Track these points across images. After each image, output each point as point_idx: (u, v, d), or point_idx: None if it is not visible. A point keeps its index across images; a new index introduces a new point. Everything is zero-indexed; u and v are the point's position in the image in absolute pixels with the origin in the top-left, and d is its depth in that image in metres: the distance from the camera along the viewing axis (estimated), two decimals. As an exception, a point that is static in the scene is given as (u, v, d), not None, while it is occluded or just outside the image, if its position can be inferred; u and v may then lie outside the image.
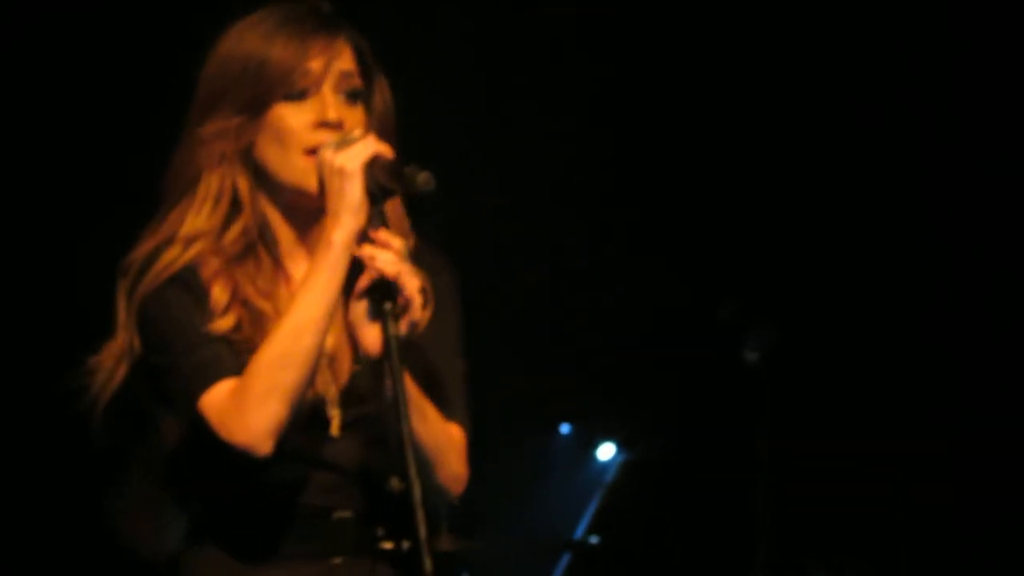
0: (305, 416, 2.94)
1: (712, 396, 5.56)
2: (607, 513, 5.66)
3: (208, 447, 2.94)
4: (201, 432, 2.95)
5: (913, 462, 5.74)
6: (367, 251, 2.86)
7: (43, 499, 5.21)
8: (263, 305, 3.02)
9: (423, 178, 2.78)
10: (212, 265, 3.01)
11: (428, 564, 2.68)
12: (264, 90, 2.97)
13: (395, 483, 2.87)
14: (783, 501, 5.14)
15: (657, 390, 5.75)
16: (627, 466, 5.73)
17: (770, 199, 5.80)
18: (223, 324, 2.97)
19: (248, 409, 2.90)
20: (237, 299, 3.01)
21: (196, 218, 3.00)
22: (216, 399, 2.94)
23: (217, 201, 2.99)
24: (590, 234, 5.66)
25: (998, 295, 5.85)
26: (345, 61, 3.01)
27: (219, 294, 2.99)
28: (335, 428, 2.98)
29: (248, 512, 3.01)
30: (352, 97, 2.99)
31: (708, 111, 5.79)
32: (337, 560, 2.96)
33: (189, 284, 3.00)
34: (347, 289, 2.93)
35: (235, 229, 2.99)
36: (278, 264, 3.06)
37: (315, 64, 2.97)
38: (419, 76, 3.38)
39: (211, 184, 2.99)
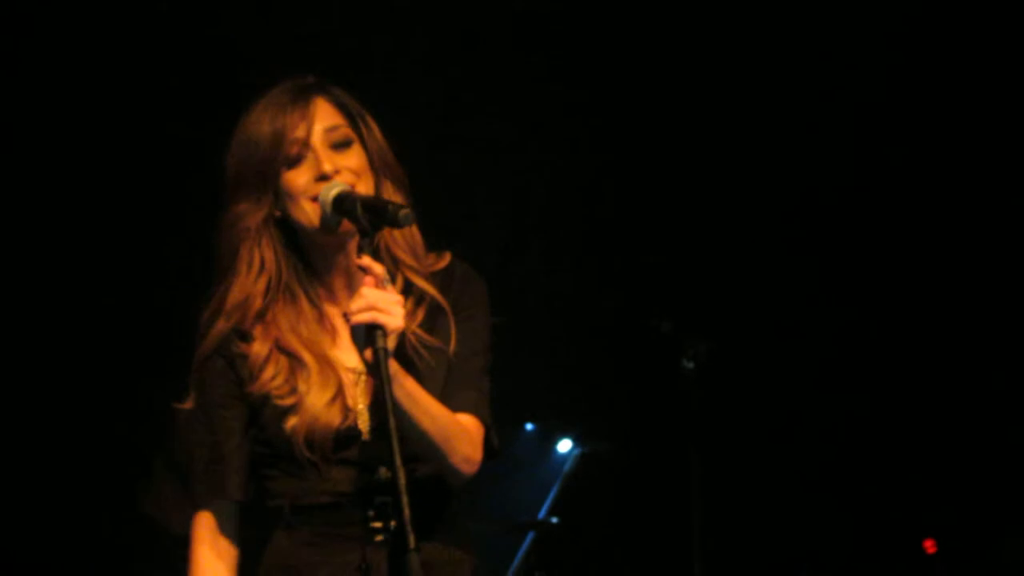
0: (341, 427, 3.21)
1: (653, 399, 5.68)
2: (565, 497, 5.76)
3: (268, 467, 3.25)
4: (266, 457, 3.26)
5: (833, 467, 5.88)
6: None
7: (92, 489, 5.33)
8: (304, 355, 3.26)
9: (403, 215, 3.02)
10: (257, 326, 3.26)
11: (412, 540, 2.85)
12: (267, 167, 3.20)
13: (383, 472, 3.08)
14: (715, 493, 5.26)
15: (608, 394, 5.92)
16: (582, 458, 5.86)
17: (708, 234, 5.95)
18: (262, 380, 3.24)
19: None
20: (276, 349, 3.26)
21: (239, 289, 3.26)
22: (198, 532, 3.28)
23: (254, 267, 3.25)
24: (549, 261, 5.80)
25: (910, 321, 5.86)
26: (325, 119, 3.23)
27: (259, 348, 3.25)
28: (366, 434, 3.22)
29: (306, 508, 3.25)
30: (341, 146, 3.21)
31: (652, 136, 5.87)
32: (379, 539, 3.18)
33: (231, 352, 3.28)
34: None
35: (263, 288, 3.25)
36: (317, 308, 3.30)
37: (299, 132, 3.19)
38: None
39: (247, 255, 3.25)
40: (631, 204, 5.94)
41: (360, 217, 3.06)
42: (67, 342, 5.36)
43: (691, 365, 5.24)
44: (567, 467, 5.83)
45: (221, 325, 3.25)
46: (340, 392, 3.24)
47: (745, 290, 5.92)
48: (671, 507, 5.42)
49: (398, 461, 2.87)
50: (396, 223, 3.04)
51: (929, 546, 5.60)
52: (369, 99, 3.27)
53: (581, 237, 5.91)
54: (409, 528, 2.84)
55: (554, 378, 5.90)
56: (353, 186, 3.18)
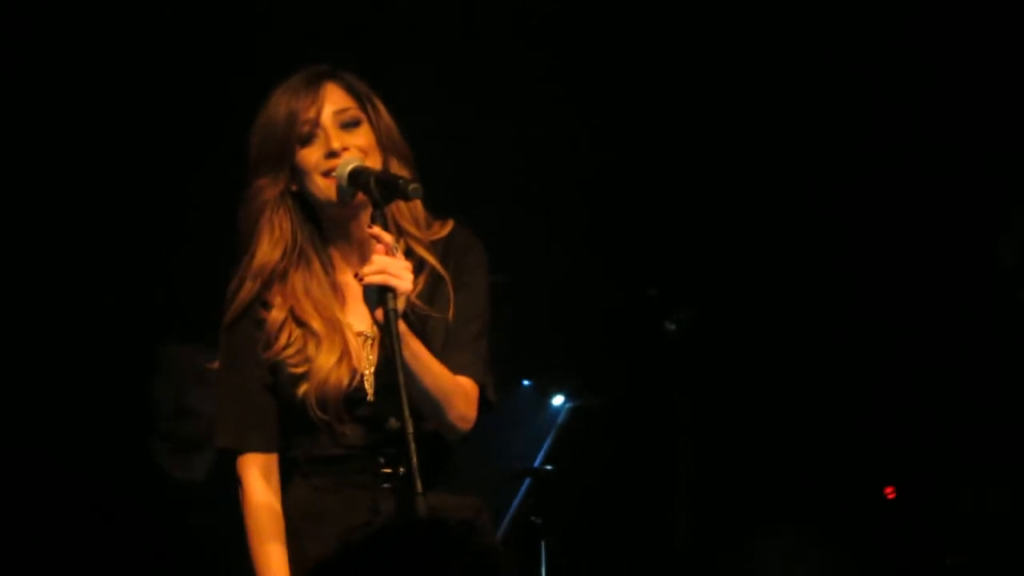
0: (349, 389, 3.37)
1: (639, 358, 5.84)
2: (558, 447, 5.85)
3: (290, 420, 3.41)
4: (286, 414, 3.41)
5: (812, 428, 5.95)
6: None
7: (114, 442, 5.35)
8: (314, 321, 3.40)
9: (413, 188, 3.20)
10: (275, 290, 3.41)
11: (419, 485, 3.03)
12: (283, 145, 3.37)
13: (392, 423, 3.24)
14: (697, 443, 5.54)
15: (598, 353, 6.02)
16: (574, 411, 5.94)
17: (695, 207, 6.03)
18: (276, 347, 3.39)
19: (245, 515, 3.40)
20: (291, 317, 3.40)
21: (260, 256, 3.41)
22: (248, 476, 3.42)
23: (274, 236, 3.41)
24: (548, 233, 5.85)
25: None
26: (336, 101, 3.38)
27: (275, 316, 3.40)
28: (371, 395, 3.39)
29: (319, 459, 3.42)
30: (350, 126, 3.38)
31: (639, 103, 5.90)
32: (387, 485, 3.37)
33: (257, 314, 3.43)
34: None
35: (282, 254, 3.41)
36: (329, 275, 3.46)
37: (311, 113, 3.35)
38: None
39: (268, 225, 3.41)
40: (624, 176, 6.02)
41: (373, 190, 3.21)
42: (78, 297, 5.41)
43: (674, 327, 5.47)
44: (560, 419, 5.92)
45: (248, 289, 3.40)
46: (347, 353, 3.37)
47: (729, 259, 5.99)
48: (656, 455, 5.67)
49: (406, 413, 3.03)
50: (406, 196, 3.21)
51: (889, 492, 5.75)
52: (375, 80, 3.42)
53: (576, 209, 5.99)
54: (416, 474, 3.01)
55: (550, 339, 5.98)
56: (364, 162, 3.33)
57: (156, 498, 5.26)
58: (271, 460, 3.46)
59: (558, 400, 6.03)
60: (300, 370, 3.37)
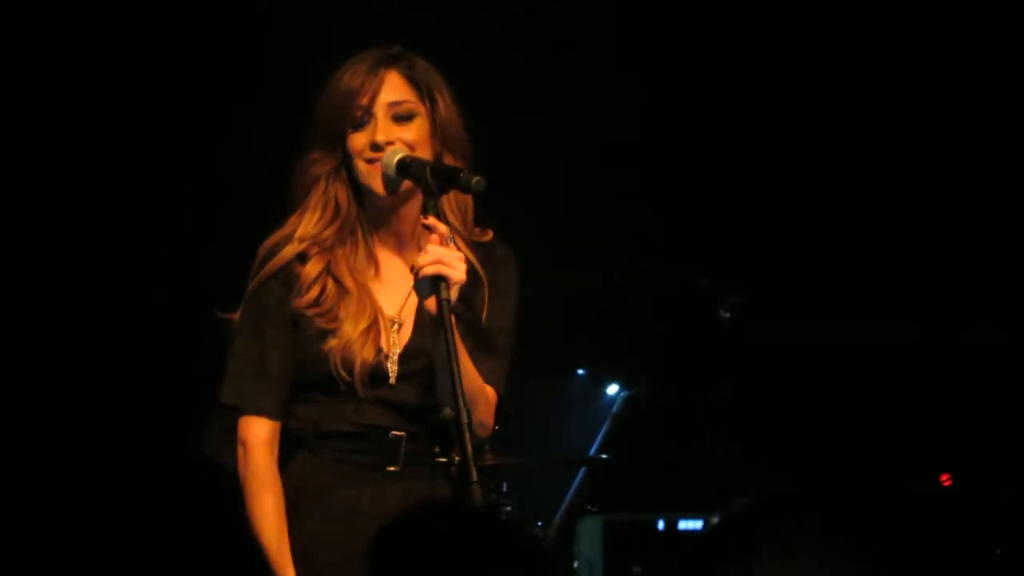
0: (372, 369, 3.33)
1: (693, 347, 5.86)
2: (613, 436, 5.83)
3: (300, 392, 3.35)
4: (298, 384, 3.35)
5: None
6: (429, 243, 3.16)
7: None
8: (349, 283, 3.35)
9: (476, 181, 3.16)
10: (313, 252, 3.36)
11: (474, 474, 2.97)
12: (337, 124, 3.36)
13: (447, 411, 3.07)
14: (748, 430, 5.58)
15: (652, 342, 6.10)
16: (628, 400, 5.93)
17: (749, 193, 6.06)
18: (308, 297, 3.33)
19: (244, 476, 3.33)
20: (326, 274, 3.35)
21: (307, 225, 3.38)
22: (252, 438, 3.34)
23: (329, 208, 3.39)
24: (603, 224, 5.89)
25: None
26: (393, 92, 3.35)
27: (310, 269, 3.35)
28: (392, 378, 3.35)
29: (329, 434, 3.36)
30: (402, 119, 3.34)
31: (693, 90, 5.92)
32: (392, 468, 3.34)
33: (289, 274, 3.36)
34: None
35: (335, 226, 3.38)
36: (369, 251, 3.42)
37: (366, 99, 3.33)
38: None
39: (322, 196, 3.39)
40: (678, 165, 6.04)
41: (428, 179, 3.18)
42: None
43: (727, 315, 5.46)
44: (615, 408, 5.92)
45: (290, 249, 3.37)
46: (375, 327, 3.34)
47: (779, 248, 6.02)
48: (709, 443, 5.71)
49: (462, 402, 3.00)
50: (467, 188, 3.16)
51: (945, 480, 5.75)
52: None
53: (630, 200, 6.01)
54: (471, 462, 2.98)
55: (604, 329, 6.05)
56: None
57: (207, 486, 5.10)
58: (276, 429, 3.39)
59: (612, 389, 6.05)
60: (329, 325, 3.34)
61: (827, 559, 1.61)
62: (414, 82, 3.37)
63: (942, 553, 1.59)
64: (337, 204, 3.39)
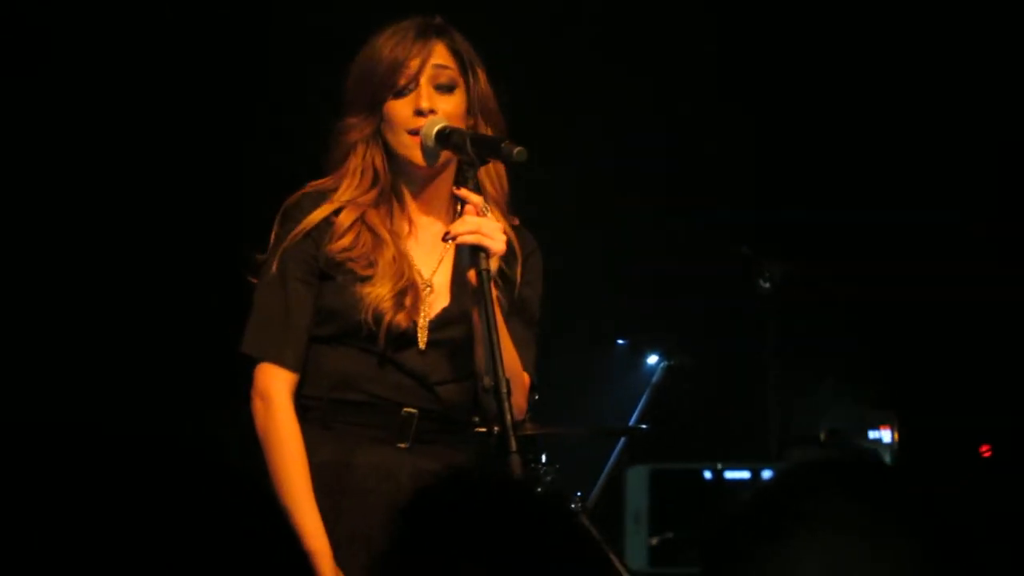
0: (401, 331, 3.35)
1: (732, 317, 5.87)
2: (653, 406, 5.77)
3: (314, 361, 3.34)
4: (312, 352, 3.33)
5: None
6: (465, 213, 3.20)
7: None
8: (383, 232, 3.37)
9: (518, 152, 3.17)
10: (349, 207, 3.40)
11: (513, 444, 3.01)
12: (378, 91, 3.36)
13: (487, 381, 3.12)
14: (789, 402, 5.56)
15: (693, 312, 6.04)
16: (668, 370, 5.84)
17: (789, 163, 6.06)
18: (342, 243, 3.33)
19: (267, 429, 3.29)
20: (360, 223, 3.37)
21: (347, 190, 3.39)
22: (273, 389, 3.30)
23: (367, 174, 3.40)
24: (641, 193, 5.85)
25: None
26: (438, 61, 3.37)
27: (344, 218, 3.37)
28: (422, 344, 3.37)
29: (340, 405, 3.36)
30: (445, 89, 3.36)
31: (737, 60, 5.95)
32: (402, 445, 3.35)
33: (321, 229, 3.37)
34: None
35: (373, 192, 3.41)
36: (406, 215, 3.45)
37: (413, 67, 3.34)
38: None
39: (359, 162, 3.40)
40: (716, 135, 6.02)
41: (469, 149, 3.21)
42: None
43: (767, 285, 5.40)
44: (655, 378, 5.86)
45: (326, 207, 3.39)
46: (411, 288, 3.35)
47: (820, 218, 6.01)
48: (749, 413, 5.72)
49: (501, 372, 3.02)
50: (509, 158, 3.18)
51: (985, 451, 5.73)
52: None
53: (668, 168, 6.03)
54: (511, 432, 3.01)
55: (643, 299, 6.03)
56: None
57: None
58: (294, 383, 3.38)
59: (652, 359, 6.00)
60: (363, 272, 3.35)
61: (871, 544, 1.45)
62: (457, 54, 3.40)
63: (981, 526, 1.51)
64: (375, 170, 3.40)
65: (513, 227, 3.42)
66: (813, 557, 1.45)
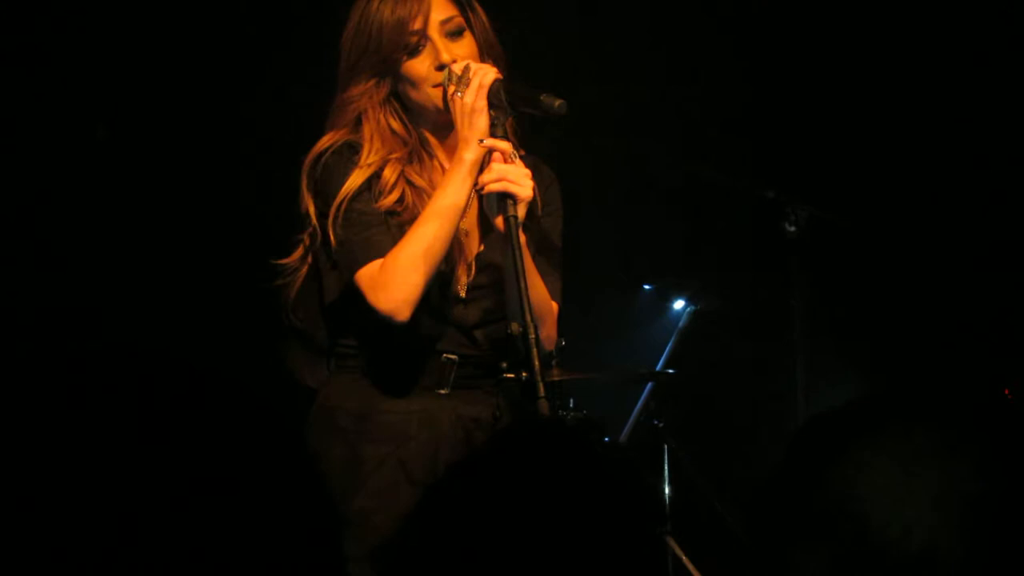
0: (438, 283, 3.36)
1: (758, 261, 5.78)
2: (679, 351, 5.90)
3: (360, 307, 3.36)
4: (356, 296, 3.36)
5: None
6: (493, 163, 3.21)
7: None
8: (422, 183, 3.39)
9: (559, 104, 3.15)
10: (392, 163, 3.40)
11: (541, 389, 3.03)
12: (389, 54, 3.33)
13: (515, 328, 3.10)
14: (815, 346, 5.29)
15: (718, 257, 6.08)
16: (694, 315, 5.96)
17: (815, 105, 6.02)
18: (389, 200, 3.34)
19: (393, 283, 3.25)
20: (403, 179, 3.38)
21: (370, 153, 3.38)
22: (370, 273, 3.26)
23: (381, 140, 3.40)
24: (667, 138, 5.85)
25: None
26: (440, 11, 3.36)
27: (389, 175, 3.38)
28: (462, 291, 3.39)
29: (381, 351, 3.39)
30: (455, 35, 3.36)
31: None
32: (443, 391, 3.38)
33: (370, 183, 3.35)
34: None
35: (405, 150, 3.42)
36: (437, 164, 3.47)
37: (418, 23, 3.32)
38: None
39: (377, 126, 3.39)
40: (743, 78, 6.01)
41: (502, 98, 3.21)
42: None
43: (792, 229, 5.27)
44: (681, 323, 5.93)
45: (360, 173, 3.37)
46: (454, 243, 3.35)
47: (847, 162, 5.99)
48: (775, 357, 5.59)
49: (530, 318, 3.03)
50: (550, 110, 3.14)
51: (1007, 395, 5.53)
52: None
53: (694, 114, 6.00)
54: (539, 377, 3.03)
55: (670, 244, 6.05)
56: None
57: (283, 405, 5.21)
58: None
59: (679, 304, 6.04)
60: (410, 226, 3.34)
61: (939, 474, 1.52)
62: (456, 1, 3.40)
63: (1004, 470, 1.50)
64: (394, 133, 3.40)
65: (530, 159, 3.40)
66: (884, 457, 1.52)
